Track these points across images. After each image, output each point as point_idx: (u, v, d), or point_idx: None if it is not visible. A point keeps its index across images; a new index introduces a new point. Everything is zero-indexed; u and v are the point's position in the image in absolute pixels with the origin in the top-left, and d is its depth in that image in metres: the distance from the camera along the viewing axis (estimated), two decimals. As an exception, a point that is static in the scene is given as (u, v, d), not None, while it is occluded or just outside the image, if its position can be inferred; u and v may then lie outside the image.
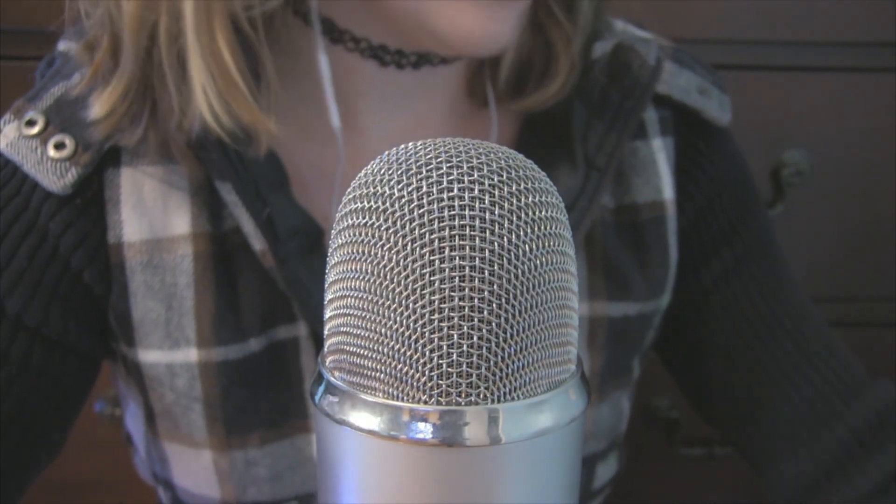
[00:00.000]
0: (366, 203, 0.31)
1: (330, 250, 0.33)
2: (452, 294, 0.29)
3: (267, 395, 0.61)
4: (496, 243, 0.29)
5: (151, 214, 0.59)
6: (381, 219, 0.30)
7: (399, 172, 0.31)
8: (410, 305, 0.29)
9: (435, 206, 0.30)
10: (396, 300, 0.30)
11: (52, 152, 0.58)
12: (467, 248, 0.29)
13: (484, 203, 0.30)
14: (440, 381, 0.29)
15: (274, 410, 0.61)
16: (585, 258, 0.65)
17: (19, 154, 0.58)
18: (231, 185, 0.57)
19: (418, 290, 0.29)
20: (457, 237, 0.29)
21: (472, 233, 0.29)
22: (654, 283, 0.67)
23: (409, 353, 0.29)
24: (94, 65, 0.57)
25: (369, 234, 0.30)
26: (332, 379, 0.32)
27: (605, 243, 0.65)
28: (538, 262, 0.30)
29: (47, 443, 0.62)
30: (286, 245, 0.58)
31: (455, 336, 0.29)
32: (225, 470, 0.62)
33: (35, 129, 0.58)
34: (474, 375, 0.29)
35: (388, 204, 0.30)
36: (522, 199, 0.30)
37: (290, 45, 0.60)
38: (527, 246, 0.30)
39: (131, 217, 0.59)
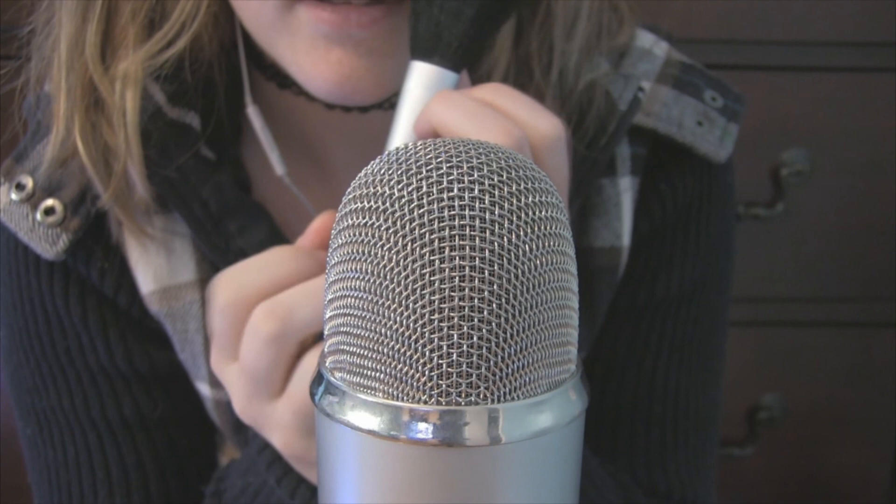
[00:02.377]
0: (366, 203, 0.31)
1: (330, 250, 0.33)
2: (452, 294, 0.29)
3: None
4: (496, 243, 0.29)
5: (156, 264, 0.59)
6: (381, 219, 0.30)
7: (399, 172, 0.31)
8: (410, 305, 0.29)
9: (435, 206, 0.30)
10: (396, 300, 0.30)
11: (41, 218, 0.57)
12: (467, 248, 0.29)
13: (484, 203, 0.30)
14: (440, 381, 0.29)
15: None
16: None
17: (13, 221, 0.57)
18: (199, 239, 0.57)
19: (418, 290, 0.29)
20: (457, 237, 0.29)
21: (472, 233, 0.29)
22: (592, 335, 0.63)
23: (408, 353, 0.29)
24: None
25: (369, 234, 0.30)
26: (332, 379, 0.32)
27: None
28: (538, 262, 0.30)
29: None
30: None
31: (455, 336, 0.29)
32: None
33: (23, 194, 0.57)
34: (474, 375, 0.29)
35: (388, 204, 0.30)
36: (522, 199, 0.30)
37: (258, 96, 0.59)
38: (527, 246, 0.30)
39: (138, 269, 0.59)
